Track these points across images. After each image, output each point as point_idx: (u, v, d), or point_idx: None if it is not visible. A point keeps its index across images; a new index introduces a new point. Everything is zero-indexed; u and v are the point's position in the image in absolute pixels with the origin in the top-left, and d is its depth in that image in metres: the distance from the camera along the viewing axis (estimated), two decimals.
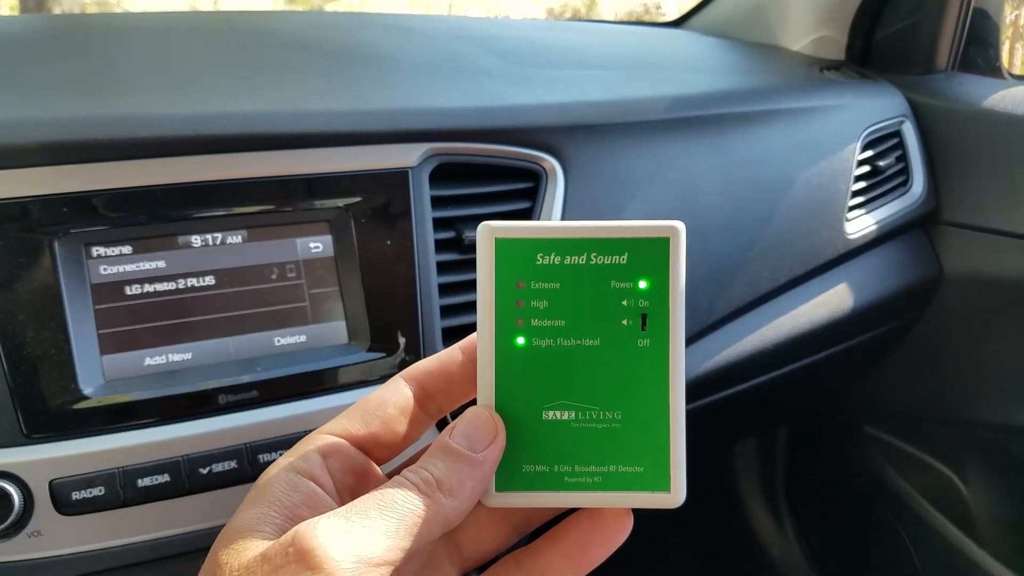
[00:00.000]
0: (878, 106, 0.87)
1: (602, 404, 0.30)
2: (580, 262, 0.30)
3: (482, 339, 0.30)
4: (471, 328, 0.56)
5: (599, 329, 0.30)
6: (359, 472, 0.30)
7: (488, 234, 0.30)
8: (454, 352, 0.32)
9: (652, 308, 0.30)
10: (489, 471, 0.29)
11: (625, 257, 0.29)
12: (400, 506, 0.26)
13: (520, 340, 0.30)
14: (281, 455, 0.30)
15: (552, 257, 0.30)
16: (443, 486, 0.27)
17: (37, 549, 0.44)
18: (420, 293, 0.53)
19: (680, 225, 0.30)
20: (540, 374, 0.30)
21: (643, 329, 0.30)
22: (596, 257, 0.30)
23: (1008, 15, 1.08)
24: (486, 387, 0.30)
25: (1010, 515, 0.90)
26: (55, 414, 0.45)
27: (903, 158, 0.89)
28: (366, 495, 0.26)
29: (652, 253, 0.29)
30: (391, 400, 0.31)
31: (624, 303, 0.30)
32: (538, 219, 0.59)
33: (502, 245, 0.30)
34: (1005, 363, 0.88)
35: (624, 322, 0.30)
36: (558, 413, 0.30)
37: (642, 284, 0.30)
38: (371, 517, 0.25)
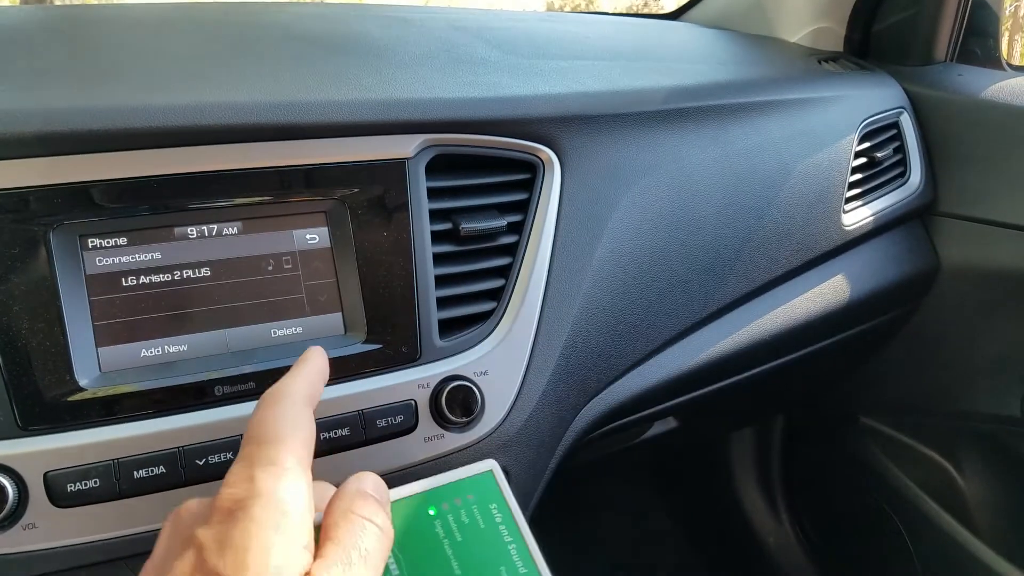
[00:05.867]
0: (876, 97, 0.87)
1: None
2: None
3: None
4: (467, 320, 0.56)
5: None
6: None
7: None
8: None
9: None
10: None
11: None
12: None
13: None
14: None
15: None
16: None
17: (32, 542, 0.44)
18: (417, 284, 0.53)
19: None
20: None
21: None
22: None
23: (1008, 6, 1.07)
24: None
25: (1004, 504, 0.91)
26: (51, 406, 0.45)
27: (901, 149, 0.89)
28: None
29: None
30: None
31: None
32: (535, 209, 0.59)
33: None
34: (1001, 353, 0.88)
35: None
36: None
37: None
38: None
